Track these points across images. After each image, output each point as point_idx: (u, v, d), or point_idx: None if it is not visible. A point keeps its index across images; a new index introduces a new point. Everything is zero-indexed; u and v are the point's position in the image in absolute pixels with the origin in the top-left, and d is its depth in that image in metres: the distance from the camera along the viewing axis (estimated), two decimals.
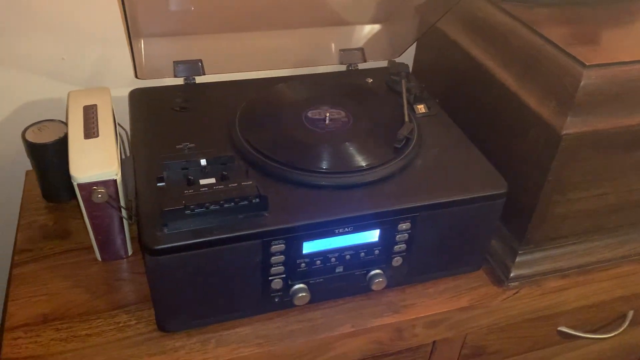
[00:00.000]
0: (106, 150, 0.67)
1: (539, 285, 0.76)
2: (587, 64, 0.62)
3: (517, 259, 0.74)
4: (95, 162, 0.65)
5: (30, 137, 0.76)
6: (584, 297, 0.80)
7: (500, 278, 0.75)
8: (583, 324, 0.87)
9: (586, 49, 0.66)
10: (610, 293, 0.82)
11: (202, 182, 0.61)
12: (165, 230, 0.57)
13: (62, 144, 0.75)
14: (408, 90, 0.80)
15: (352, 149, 0.68)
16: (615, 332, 0.86)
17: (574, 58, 0.64)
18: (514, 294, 0.74)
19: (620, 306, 0.87)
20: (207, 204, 0.58)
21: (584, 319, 0.86)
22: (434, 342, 0.77)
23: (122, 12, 0.60)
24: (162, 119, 0.74)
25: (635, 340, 0.97)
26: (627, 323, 0.88)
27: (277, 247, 0.61)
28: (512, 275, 0.74)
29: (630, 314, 0.89)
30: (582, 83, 0.62)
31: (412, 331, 0.72)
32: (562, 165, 0.66)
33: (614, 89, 0.64)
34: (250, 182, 0.61)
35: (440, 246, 0.70)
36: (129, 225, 0.73)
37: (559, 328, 0.85)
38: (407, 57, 0.97)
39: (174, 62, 0.80)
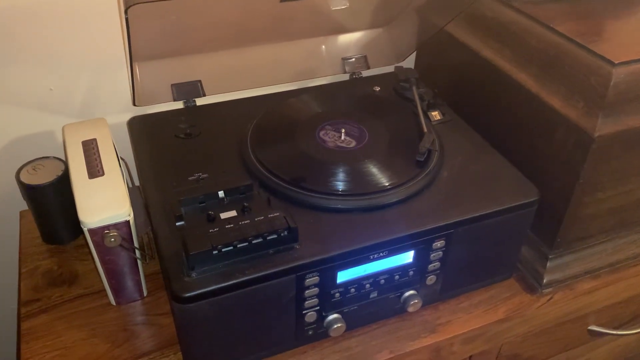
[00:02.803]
0: (115, 189, 0.62)
1: (571, 288, 0.74)
2: (616, 62, 0.60)
3: (549, 264, 0.72)
4: (105, 204, 0.60)
5: (26, 179, 0.70)
6: (614, 294, 0.78)
7: (533, 285, 0.73)
8: (612, 321, 0.86)
9: (608, 45, 0.64)
10: (638, 288, 0.80)
11: (223, 215, 0.57)
12: (193, 274, 0.53)
13: (60, 183, 0.70)
14: (420, 97, 0.77)
15: (376, 168, 0.65)
16: None
17: (600, 56, 0.61)
18: (548, 300, 0.72)
19: None
20: (235, 242, 0.54)
21: (612, 315, 0.85)
22: (470, 356, 0.74)
23: (127, 39, 0.55)
24: (168, 148, 0.70)
25: None
26: None
27: (311, 280, 0.58)
28: (545, 281, 0.72)
29: None
30: (612, 82, 0.60)
31: (450, 349, 0.69)
32: (594, 167, 0.64)
33: None
34: (278, 214, 0.57)
35: (473, 259, 0.67)
36: (143, 265, 0.68)
37: (590, 327, 0.84)
38: (408, 61, 0.94)
39: (171, 85, 0.76)
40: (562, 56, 0.66)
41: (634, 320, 0.89)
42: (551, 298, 0.72)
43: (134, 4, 0.48)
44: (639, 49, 0.63)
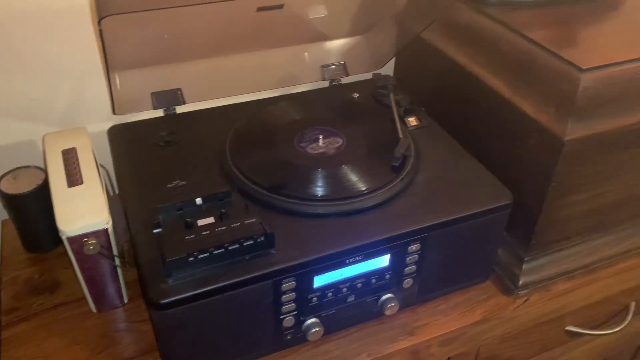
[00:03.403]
0: (94, 198, 0.63)
1: (547, 290, 0.75)
2: (584, 67, 0.61)
3: (524, 266, 0.73)
4: (83, 212, 0.61)
5: (6, 188, 0.71)
6: (590, 295, 0.80)
7: (509, 287, 0.74)
8: (589, 321, 0.87)
9: (578, 51, 0.65)
10: (614, 288, 0.82)
11: (201, 222, 0.58)
12: (170, 281, 0.54)
13: (40, 192, 0.70)
14: (397, 103, 0.78)
15: (353, 173, 0.66)
16: (621, 326, 0.86)
17: (569, 62, 0.63)
18: (524, 301, 0.73)
19: (623, 299, 0.88)
20: (211, 249, 0.55)
21: (589, 315, 0.86)
22: (449, 358, 0.75)
23: (102, 50, 0.56)
24: (148, 156, 0.71)
25: (637, 329, 0.98)
26: (630, 315, 0.88)
27: (288, 284, 0.58)
28: (520, 283, 0.73)
29: (633, 305, 0.89)
30: (580, 87, 0.61)
31: (428, 351, 0.70)
32: (565, 170, 0.65)
33: (611, 89, 0.63)
34: (254, 220, 0.58)
35: (449, 262, 0.68)
36: (123, 272, 0.68)
37: (567, 328, 0.85)
38: (387, 68, 0.95)
39: (151, 93, 0.77)
40: (533, 62, 0.67)
41: (611, 320, 0.90)
42: (527, 299, 0.74)
43: (107, 15, 0.48)
44: (610, 54, 0.65)
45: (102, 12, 0.49)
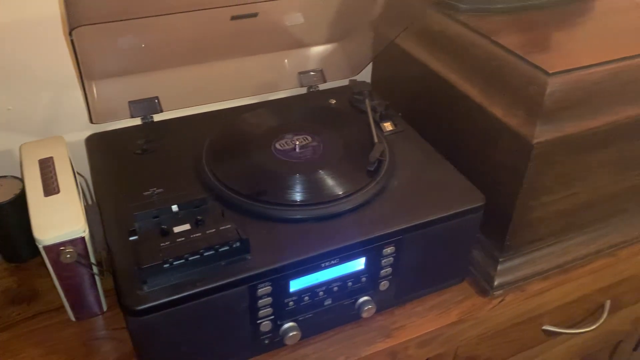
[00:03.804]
0: (70, 206, 0.63)
1: (522, 290, 0.76)
2: (550, 71, 0.63)
3: (499, 267, 0.75)
4: (60, 221, 0.61)
5: None
6: (565, 295, 0.81)
7: (484, 288, 0.75)
8: (565, 320, 0.89)
9: (547, 56, 0.67)
10: (588, 287, 0.84)
11: (177, 229, 0.59)
12: (145, 288, 0.55)
13: (18, 202, 0.71)
14: (373, 108, 0.79)
15: (327, 178, 0.67)
16: (597, 324, 0.88)
17: (536, 67, 0.64)
18: (500, 302, 0.75)
19: (598, 298, 0.89)
20: (186, 255, 0.55)
21: (565, 314, 0.88)
22: (427, 359, 0.76)
23: (75, 60, 0.57)
24: (125, 164, 0.71)
25: (613, 327, 0.99)
26: (605, 314, 0.89)
27: (264, 289, 0.59)
28: (495, 284, 0.74)
29: (608, 303, 0.91)
30: (547, 91, 0.63)
31: (406, 353, 0.71)
32: (536, 172, 0.67)
33: (578, 93, 0.65)
34: (229, 226, 0.58)
35: (424, 264, 0.69)
36: (101, 280, 0.69)
37: (544, 327, 0.86)
38: (365, 75, 0.97)
39: (129, 102, 0.77)
40: (503, 67, 0.69)
41: (587, 319, 0.92)
42: (502, 300, 0.75)
43: (78, 26, 0.49)
44: (577, 59, 0.67)
45: (73, 23, 0.50)
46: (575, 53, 0.69)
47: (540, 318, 0.84)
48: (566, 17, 0.80)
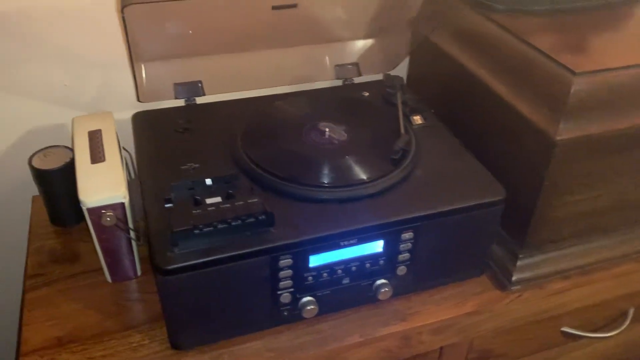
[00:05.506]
0: (113, 174, 0.68)
1: (541, 287, 0.77)
2: (577, 71, 0.64)
3: (518, 263, 0.76)
4: (103, 186, 0.67)
5: (37, 164, 0.77)
6: (585, 297, 0.82)
7: (503, 282, 0.77)
8: (586, 324, 0.89)
9: (575, 57, 0.68)
10: (611, 292, 0.83)
11: (209, 201, 0.63)
12: (176, 250, 0.59)
13: (67, 170, 0.76)
14: (403, 102, 0.82)
15: (352, 163, 0.70)
16: (617, 331, 0.88)
17: (563, 66, 0.66)
18: (517, 297, 0.76)
19: (622, 304, 0.89)
20: (215, 223, 0.60)
21: (586, 318, 0.88)
22: (441, 347, 0.78)
23: (125, 38, 0.62)
24: (166, 141, 0.76)
25: (637, 338, 0.98)
26: (628, 321, 0.89)
27: (285, 261, 0.63)
28: (514, 279, 0.76)
29: (631, 311, 0.90)
30: (572, 90, 0.64)
31: (419, 338, 0.73)
32: (558, 170, 0.68)
33: (603, 94, 0.66)
34: (256, 200, 0.62)
35: (442, 254, 0.71)
36: (138, 246, 0.74)
37: (562, 329, 0.87)
38: (401, 70, 0.99)
39: (174, 84, 0.82)
40: (532, 66, 0.70)
41: (610, 325, 0.91)
42: (520, 295, 0.76)
43: (130, 4, 0.54)
44: (604, 61, 0.68)
45: (125, 1, 0.54)
46: (603, 55, 0.70)
47: (559, 319, 0.85)
48: (602, 21, 0.80)
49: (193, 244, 0.59)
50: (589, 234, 0.79)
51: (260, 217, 0.61)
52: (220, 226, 0.60)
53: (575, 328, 0.87)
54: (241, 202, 0.62)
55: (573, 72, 0.64)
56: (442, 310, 0.73)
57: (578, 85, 0.64)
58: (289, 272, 0.64)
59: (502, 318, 0.77)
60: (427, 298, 0.75)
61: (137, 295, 0.73)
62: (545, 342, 0.89)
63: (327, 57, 0.90)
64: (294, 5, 0.74)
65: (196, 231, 0.59)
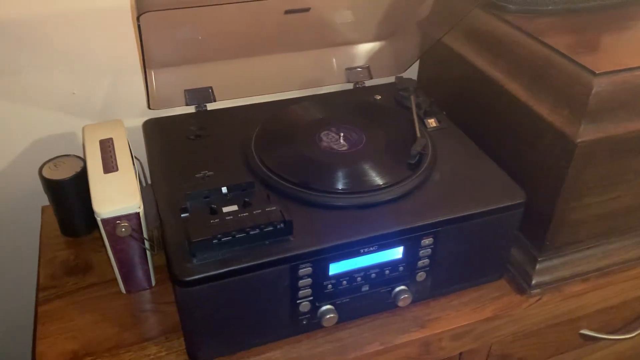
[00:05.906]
0: (127, 183, 0.67)
1: (560, 290, 0.76)
2: (597, 72, 0.63)
3: (538, 266, 0.75)
4: (117, 196, 0.65)
5: (47, 174, 0.76)
6: (604, 299, 0.81)
7: (522, 286, 0.76)
8: (604, 326, 0.88)
9: (593, 57, 0.67)
10: (630, 293, 0.83)
11: (225, 209, 0.62)
12: (194, 261, 0.58)
13: (79, 179, 0.75)
14: (417, 105, 0.81)
15: (369, 168, 0.69)
16: (636, 332, 0.87)
17: (583, 67, 0.65)
18: (537, 301, 0.75)
19: None
20: (233, 232, 0.59)
21: (605, 320, 0.87)
22: (460, 353, 0.77)
23: (140, 46, 0.61)
24: (178, 148, 0.75)
25: None
26: None
27: (305, 270, 0.62)
28: (533, 282, 0.75)
29: None
30: (593, 91, 0.63)
31: (439, 344, 0.72)
32: (577, 172, 0.67)
33: (624, 94, 0.65)
34: (274, 207, 0.61)
35: (462, 258, 0.71)
36: (152, 256, 0.73)
37: (581, 331, 0.86)
38: (411, 73, 0.98)
39: (184, 90, 0.81)
40: (549, 67, 0.70)
41: (629, 326, 0.90)
42: (540, 299, 0.75)
43: (146, 12, 0.53)
44: (624, 60, 0.67)
45: (141, 8, 0.54)
46: (622, 55, 0.69)
47: (577, 321, 0.84)
48: (617, 20, 0.80)
49: (212, 255, 0.58)
50: (608, 235, 0.78)
51: (279, 226, 0.60)
52: (238, 235, 0.59)
53: (594, 330, 0.86)
54: (259, 210, 0.61)
55: (594, 73, 0.63)
56: (462, 316, 0.72)
57: (599, 86, 0.63)
58: (309, 280, 0.63)
59: (521, 322, 0.76)
60: (446, 304, 0.74)
61: (152, 306, 0.72)
62: (564, 345, 0.88)
63: (337, 61, 0.89)
64: (307, 9, 0.73)
65: (215, 241, 0.58)
